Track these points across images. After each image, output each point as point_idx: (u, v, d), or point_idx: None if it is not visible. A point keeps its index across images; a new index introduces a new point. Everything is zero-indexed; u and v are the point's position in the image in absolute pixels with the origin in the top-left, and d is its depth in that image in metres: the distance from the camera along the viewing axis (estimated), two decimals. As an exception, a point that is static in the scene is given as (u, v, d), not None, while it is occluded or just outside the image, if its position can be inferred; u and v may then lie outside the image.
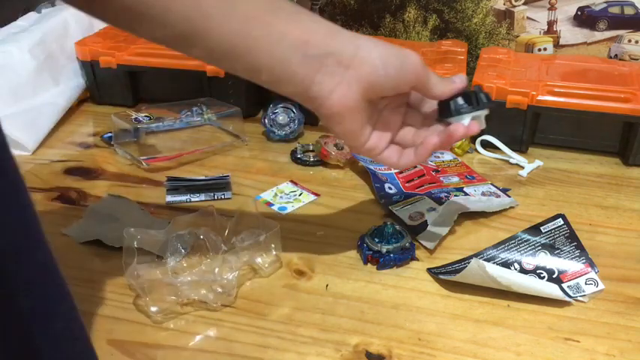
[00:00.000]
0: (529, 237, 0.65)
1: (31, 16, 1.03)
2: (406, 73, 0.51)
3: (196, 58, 0.50)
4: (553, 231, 0.66)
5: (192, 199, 0.75)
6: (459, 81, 0.55)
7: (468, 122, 0.55)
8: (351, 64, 0.49)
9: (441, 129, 0.56)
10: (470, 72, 0.91)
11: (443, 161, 0.83)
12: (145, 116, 0.88)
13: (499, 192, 0.76)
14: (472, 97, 0.55)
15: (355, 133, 0.53)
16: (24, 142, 0.85)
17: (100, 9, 0.47)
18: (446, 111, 0.55)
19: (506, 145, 0.85)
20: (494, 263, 0.62)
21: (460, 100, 0.55)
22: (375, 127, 0.55)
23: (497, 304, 0.59)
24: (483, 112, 0.56)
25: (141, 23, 0.47)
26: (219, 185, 0.77)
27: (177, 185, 0.77)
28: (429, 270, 0.63)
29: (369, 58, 0.49)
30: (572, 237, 0.65)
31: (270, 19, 0.48)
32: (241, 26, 0.47)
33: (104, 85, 0.99)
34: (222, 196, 0.76)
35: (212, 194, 0.76)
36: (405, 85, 0.53)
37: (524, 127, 0.84)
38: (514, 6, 0.99)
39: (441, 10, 1.02)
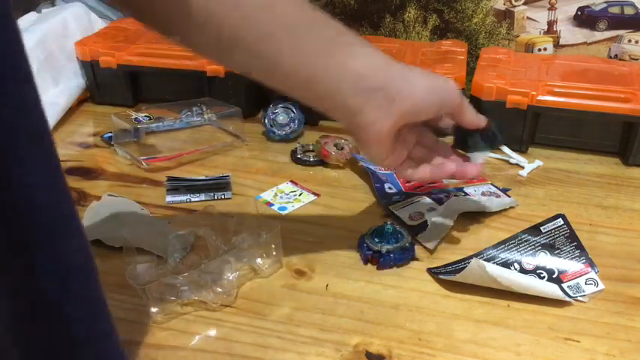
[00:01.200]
0: (529, 237, 0.65)
1: (31, 16, 1.03)
2: (443, 106, 0.56)
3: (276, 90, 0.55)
4: (553, 231, 0.66)
5: (192, 199, 0.75)
6: (483, 119, 0.61)
7: (481, 160, 0.61)
8: (396, 98, 0.53)
9: (454, 156, 0.62)
10: (470, 72, 0.91)
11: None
12: (145, 116, 0.88)
13: (499, 192, 0.76)
14: (489, 136, 0.61)
15: (382, 154, 0.58)
16: (24, 142, 0.85)
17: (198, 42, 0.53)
18: (464, 144, 0.62)
19: (506, 145, 0.85)
20: (494, 263, 0.62)
21: (479, 138, 0.61)
22: (396, 146, 0.58)
23: (497, 304, 0.59)
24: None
25: (222, 56, 0.54)
26: (219, 185, 0.77)
27: (177, 185, 0.77)
28: (429, 270, 0.63)
29: (412, 94, 0.53)
30: (572, 237, 0.65)
31: (333, 51, 0.52)
32: (309, 58, 0.52)
33: (104, 85, 0.99)
34: (222, 196, 0.76)
35: (212, 194, 0.76)
36: (439, 114, 0.58)
37: (524, 127, 0.84)
38: (514, 6, 0.99)
39: (441, 10, 1.01)
